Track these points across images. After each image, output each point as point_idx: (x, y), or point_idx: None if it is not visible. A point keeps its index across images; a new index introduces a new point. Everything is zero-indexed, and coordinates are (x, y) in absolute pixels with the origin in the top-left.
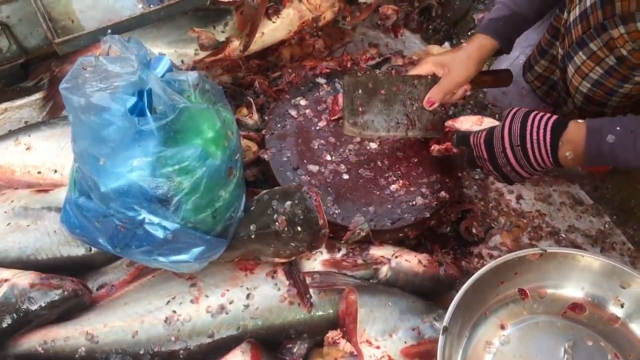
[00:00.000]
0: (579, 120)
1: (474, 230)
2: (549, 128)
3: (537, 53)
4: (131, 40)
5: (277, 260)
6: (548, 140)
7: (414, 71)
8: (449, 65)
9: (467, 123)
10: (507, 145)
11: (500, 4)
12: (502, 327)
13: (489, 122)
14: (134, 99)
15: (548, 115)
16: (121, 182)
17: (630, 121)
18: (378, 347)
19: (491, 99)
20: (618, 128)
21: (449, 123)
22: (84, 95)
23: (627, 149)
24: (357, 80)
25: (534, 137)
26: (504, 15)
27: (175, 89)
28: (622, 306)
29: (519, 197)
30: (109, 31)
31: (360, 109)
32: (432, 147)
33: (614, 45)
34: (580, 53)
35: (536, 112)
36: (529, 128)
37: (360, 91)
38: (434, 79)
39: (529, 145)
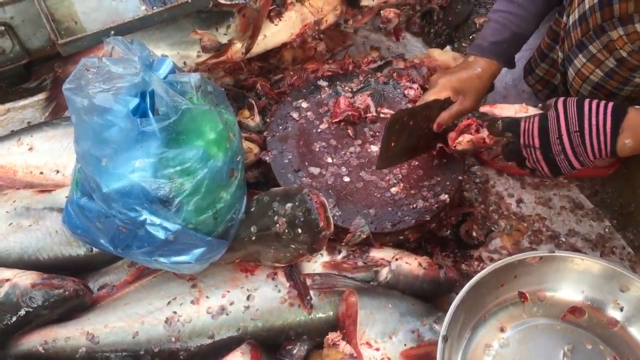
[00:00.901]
0: (638, 107)
1: (474, 234)
2: (609, 112)
3: (537, 57)
4: (134, 42)
5: (277, 265)
6: (609, 125)
7: (433, 95)
8: (464, 93)
9: (510, 110)
10: (563, 131)
11: (496, 24)
12: (502, 330)
13: (534, 111)
14: (136, 100)
15: (604, 101)
16: (123, 183)
17: None
18: (378, 349)
19: (491, 103)
20: None
21: (486, 109)
22: (87, 96)
23: None
24: (398, 116)
25: (593, 121)
26: (505, 38)
27: (177, 90)
28: (621, 310)
29: (520, 201)
30: (112, 33)
31: (392, 144)
32: (460, 138)
33: (613, 47)
34: (580, 56)
35: (590, 99)
36: (586, 113)
37: (397, 127)
38: (447, 101)
39: (586, 132)
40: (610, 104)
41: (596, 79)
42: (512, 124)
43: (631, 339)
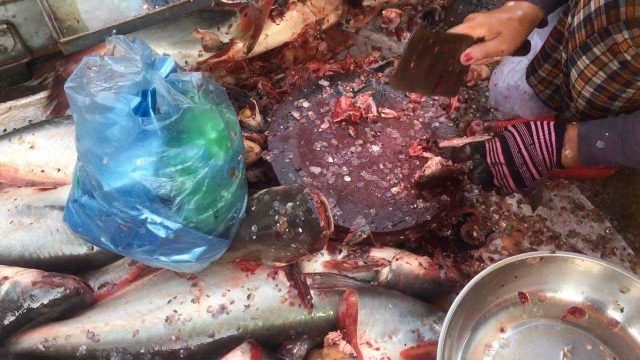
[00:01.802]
0: (574, 124)
1: (474, 234)
2: (552, 129)
3: (540, 57)
4: (136, 41)
5: (277, 265)
6: (554, 139)
7: (467, 29)
8: (502, 34)
9: (456, 140)
10: (521, 145)
11: None
12: (502, 330)
13: (479, 137)
14: (138, 99)
15: (546, 121)
16: (124, 182)
17: (618, 125)
18: (378, 349)
19: (493, 103)
20: (607, 134)
21: (444, 143)
22: (89, 95)
23: (617, 153)
24: (423, 34)
25: (541, 136)
26: None
27: (179, 89)
28: (621, 310)
29: (520, 202)
30: (114, 31)
31: (412, 64)
32: (429, 162)
33: (617, 50)
34: (584, 57)
35: (534, 120)
36: (534, 130)
37: (420, 46)
38: (479, 41)
39: (537, 145)
40: (552, 123)
41: (599, 80)
42: (479, 145)
43: (631, 340)
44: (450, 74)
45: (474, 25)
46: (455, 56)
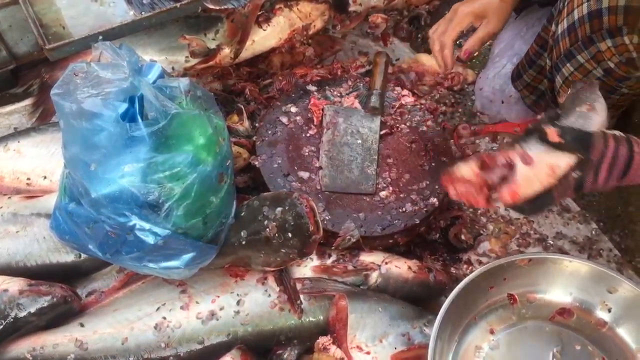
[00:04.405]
0: None
1: (463, 237)
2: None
3: (525, 63)
4: (122, 47)
5: (267, 269)
6: None
7: (456, 27)
8: (487, 15)
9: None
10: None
11: None
12: (492, 332)
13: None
14: (125, 105)
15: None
16: (112, 188)
17: None
18: (368, 353)
19: (479, 107)
20: None
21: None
22: (76, 101)
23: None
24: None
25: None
26: None
27: (166, 95)
28: (609, 311)
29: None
30: (100, 37)
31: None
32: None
33: (601, 58)
34: (568, 65)
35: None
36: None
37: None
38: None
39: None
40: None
41: None
42: (587, 136)
43: (619, 340)
44: None
45: (460, 20)
46: None
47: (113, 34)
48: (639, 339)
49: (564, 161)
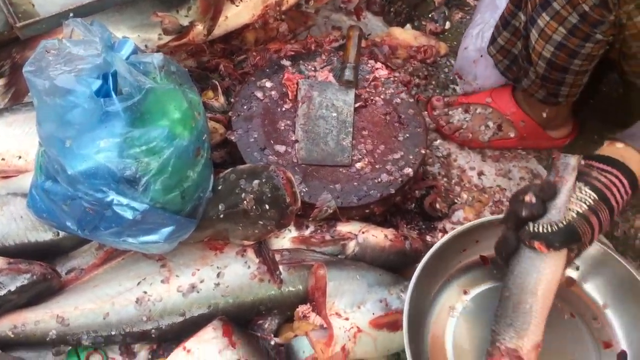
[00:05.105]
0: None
1: (437, 206)
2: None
3: (500, 24)
4: (94, 24)
5: (246, 243)
6: None
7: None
8: None
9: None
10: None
11: None
12: (465, 293)
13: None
14: (99, 82)
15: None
16: (88, 164)
17: None
18: (347, 319)
19: (458, 68)
20: None
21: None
22: (48, 78)
23: None
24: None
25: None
26: None
27: (140, 70)
28: (577, 269)
29: (481, 173)
30: (71, 15)
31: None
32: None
33: (576, 3)
34: (544, 14)
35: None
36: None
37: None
38: None
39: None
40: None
41: (559, 37)
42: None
43: (586, 297)
44: None
45: None
46: None
47: (84, 11)
48: (606, 295)
49: (559, 266)
